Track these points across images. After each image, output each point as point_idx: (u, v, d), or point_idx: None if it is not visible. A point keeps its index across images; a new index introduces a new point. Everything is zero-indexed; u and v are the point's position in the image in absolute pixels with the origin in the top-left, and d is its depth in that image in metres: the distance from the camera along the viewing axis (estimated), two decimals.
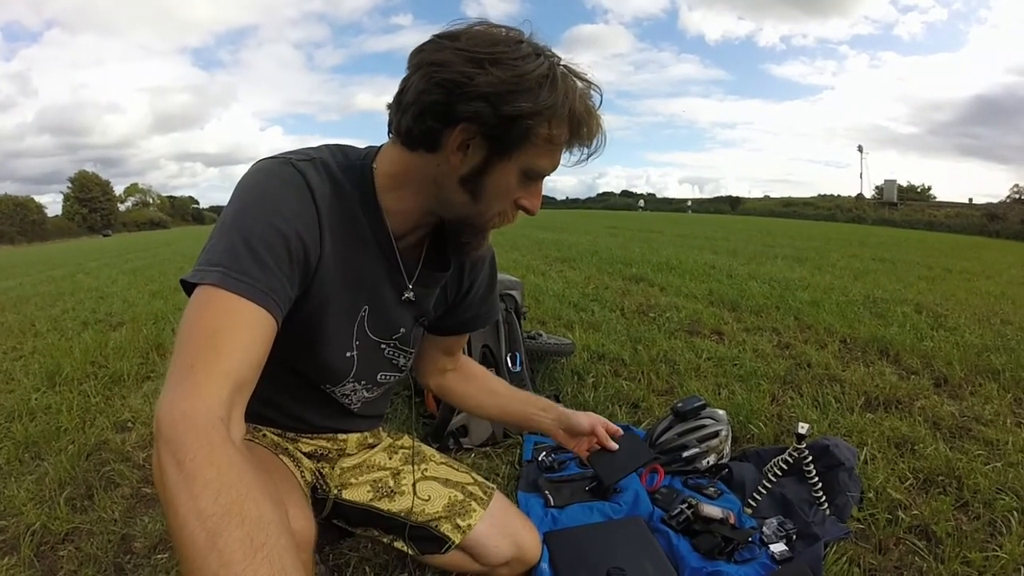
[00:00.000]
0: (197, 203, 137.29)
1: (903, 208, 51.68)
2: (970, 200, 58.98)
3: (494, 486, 1.67)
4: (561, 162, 1.11)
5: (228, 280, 0.91)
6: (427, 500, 1.53)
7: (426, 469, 1.60)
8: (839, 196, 72.43)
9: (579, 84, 1.04)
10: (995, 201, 49.56)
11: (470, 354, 2.88)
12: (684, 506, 1.98)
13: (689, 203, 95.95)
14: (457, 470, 1.65)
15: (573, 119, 1.03)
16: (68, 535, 2.13)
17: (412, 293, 1.29)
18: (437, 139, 1.03)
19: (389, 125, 1.10)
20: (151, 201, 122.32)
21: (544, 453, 2.48)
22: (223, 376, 0.84)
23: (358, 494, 1.50)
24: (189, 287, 0.94)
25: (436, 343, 1.56)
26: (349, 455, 1.54)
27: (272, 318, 0.94)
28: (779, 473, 2.06)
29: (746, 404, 2.94)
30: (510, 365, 2.94)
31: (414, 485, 1.53)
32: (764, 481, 2.08)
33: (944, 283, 7.86)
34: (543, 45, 1.02)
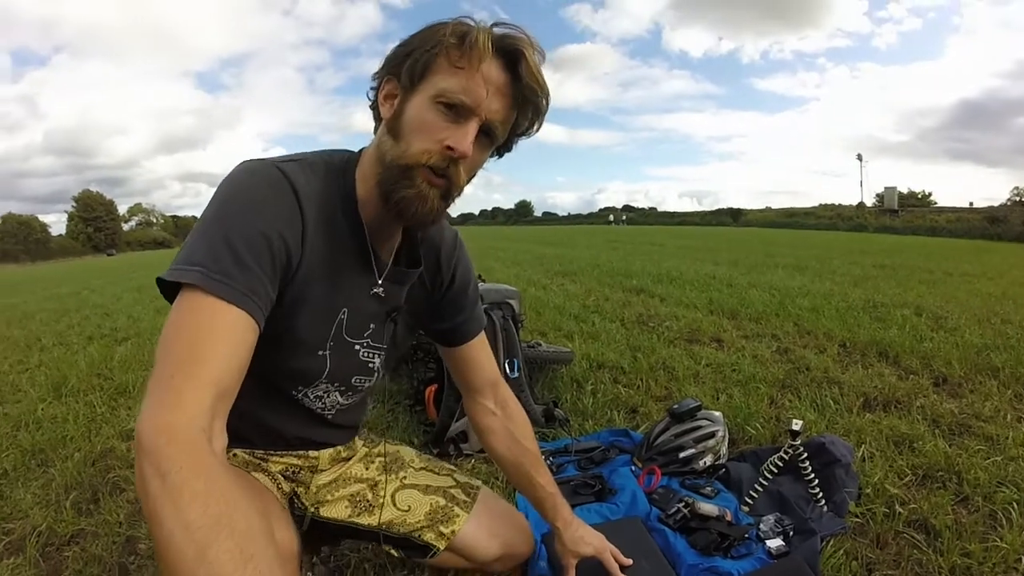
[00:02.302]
0: None
1: (904, 215, 51.62)
2: (971, 204, 59.13)
3: (479, 484, 1.65)
4: (481, 93, 1.06)
5: (209, 281, 0.90)
6: (407, 511, 1.51)
7: (405, 477, 1.58)
8: (840, 205, 72.46)
9: (492, 27, 1.07)
10: (996, 204, 49.65)
11: None
12: (681, 505, 1.99)
13: (610, 217, 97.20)
14: (438, 473, 1.63)
15: (468, 36, 1.04)
16: (74, 537, 2.16)
17: (381, 289, 1.27)
18: (376, 107, 1.13)
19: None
20: (155, 221, 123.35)
21: (543, 456, 2.49)
22: (204, 386, 0.84)
23: (336, 511, 1.47)
24: (167, 286, 0.94)
25: (457, 364, 1.54)
26: (322, 471, 1.48)
27: (253, 321, 0.94)
28: (775, 470, 2.06)
29: (744, 407, 2.95)
30: (508, 371, 2.95)
31: (392, 497, 1.52)
32: (760, 479, 2.08)
33: (944, 286, 7.87)
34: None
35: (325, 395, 1.34)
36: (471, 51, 1.03)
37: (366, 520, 1.48)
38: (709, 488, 2.18)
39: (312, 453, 1.45)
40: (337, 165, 1.16)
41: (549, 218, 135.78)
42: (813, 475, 2.04)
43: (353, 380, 1.36)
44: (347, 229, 1.16)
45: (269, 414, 1.32)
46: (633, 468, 2.38)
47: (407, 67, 1.07)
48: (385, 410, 3.20)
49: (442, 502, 1.54)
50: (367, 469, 1.56)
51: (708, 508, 1.96)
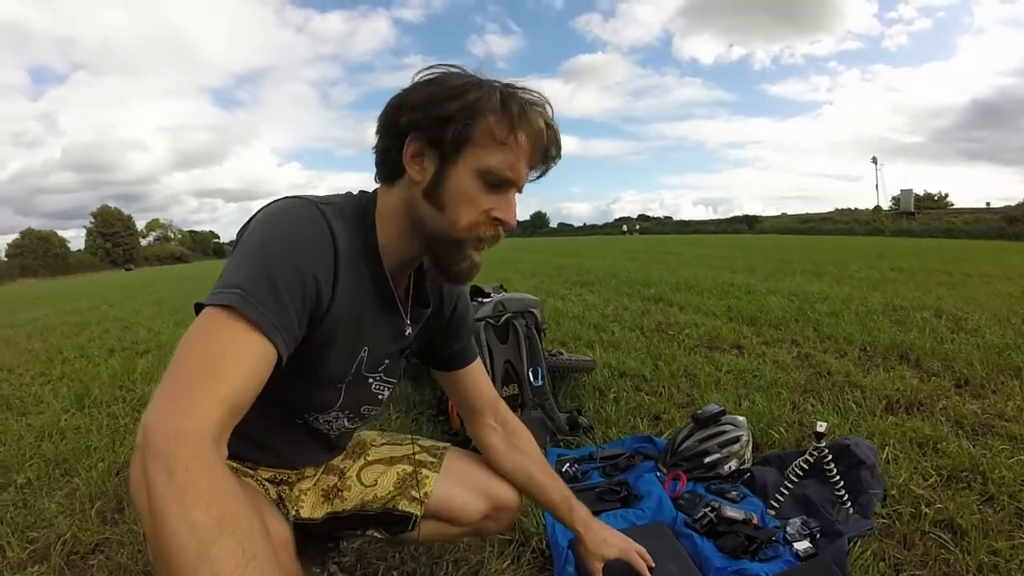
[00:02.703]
0: (218, 237, 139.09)
1: (921, 217, 51.16)
2: (988, 204, 58.41)
3: (446, 444, 1.67)
4: (521, 167, 1.13)
5: (244, 304, 0.92)
6: (374, 485, 1.53)
7: (368, 455, 1.59)
8: (856, 209, 71.90)
9: (519, 94, 1.11)
10: (1013, 204, 49.14)
11: (493, 370, 2.93)
12: (707, 509, 2.00)
13: (624, 227, 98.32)
14: (401, 444, 1.64)
15: (507, 110, 1.08)
16: (98, 545, 2.18)
17: (410, 330, 1.33)
18: (397, 161, 1.12)
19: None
20: (172, 236, 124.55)
21: (568, 464, 2.52)
22: (219, 401, 0.85)
23: (313, 511, 1.49)
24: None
25: (457, 389, 1.57)
26: (308, 477, 1.51)
27: (276, 354, 0.96)
28: (800, 474, 2.08)
29: (767, 412, 2.96)
30: (532, 379, 2.98)
31: (358, 476, 1.54)
32: (786, 482, 2.10)
33: (964, 288, 7.82)
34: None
35: (334, 420, 1.37)
36: (517, 127, 1.08)
37: (340, 507, 1.51)
38: (735, 492, 2.20)
39: (308, 470, 1.51)
40: (359, 211, 1.19)
41: (565, 229, 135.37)
42: (838, 477, 2.06)
43: (362, 409, 1.40)
44: (369, 273, 1.19)
45: (271, 435, 1.35)
46: (658, 474, 2.39)
47: (450, 137, 1.07)
48: (408, 419, 3.22)
49: (409, 469, 1.56)
50: (340, 460, 1.58)
51: (734, 512, 1.97)
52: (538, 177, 1.20)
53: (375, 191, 1.22)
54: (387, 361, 1.36)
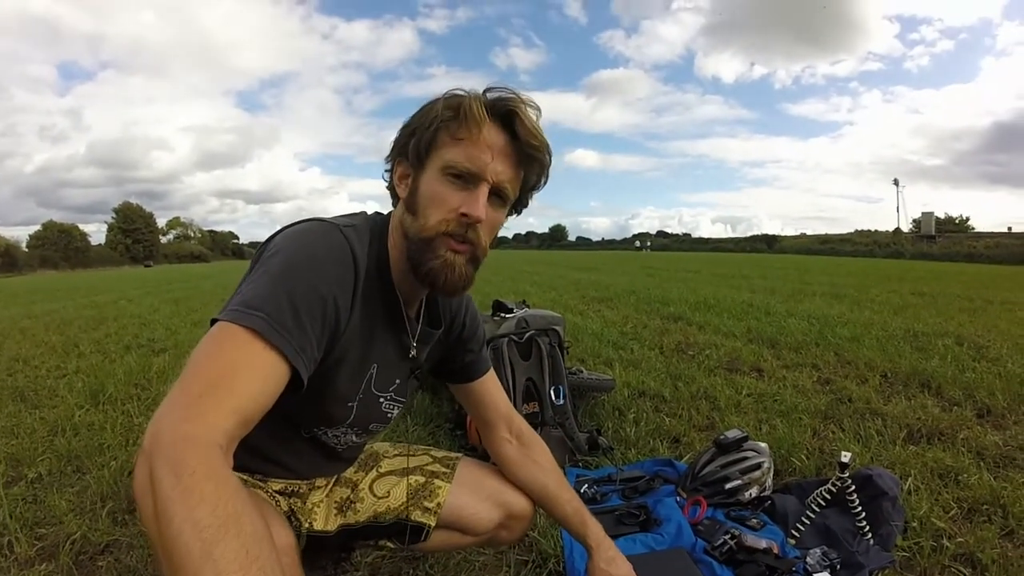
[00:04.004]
0: (237, 238, 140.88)
1: (942, 241, 50.80)
2: (1009, 229, 57.75)
3: (459, 455, 1.68)
4: (485, 158, 1.12)
5: (269, 331, 0.94)
6: (387, 496, 1.54)
7: (380, 467, 1.61)
8: (876, 231, 71.33)
9: (485, 94, 1.15)
10: None
11: (514, 387, 2.94)
12: (727, 536, 1.99)
13: (637, 243, 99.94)
14: (414, 455, 1.65)
15: (460, 108, 1.11)
16: (108, 546, 2.18)
17: (415, 351, 1.36)
18: (391, 185, 1.23)
19: None
20: (192, 235, 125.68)
21: (586, 485, 2.52)
22: (230, 413, 0.86)
23: (326, 523, 1.49)
24: None
25: (471, 402, 1.59)
26: (319, 488, 1.51)
27: (292, 376, 0.98)
28: (822, 503, 2.07)
29: (787, 438, 2.95)
30: (553, 398, 2.98)
31: (371, 488, 1.55)
32: (807, 512, 2.09)
33: (985, 314, 7.76)
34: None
35: (342, 435, 1.40)
36: (467, 120, 1.11)
37: (352, 519, 1.52)
38: (755, 520, 2.20)
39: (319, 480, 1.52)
40: (376, 233, 1.23)
41: (583, 243, 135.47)
42: (860, 508, 2.05)
43: (371, 426, 1.43)
44: (380, 294, 1.23)
45: (278, 448, 1.37)
46: (678, 499, 2.39)
47: (412, 147, 1.15)
48: (426, 432, 3.23)
49: (422, 480, 1.57)
50: (352, 472, 1.60)
51: (755, 541, 1.98)
52: (534, 178, 1.23)
53: (390, 213, 1.29)
54: (398, 381, 1.39)
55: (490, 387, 1.58)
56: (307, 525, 1.45)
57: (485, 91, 1.14)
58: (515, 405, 2.54)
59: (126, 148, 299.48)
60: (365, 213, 1.29)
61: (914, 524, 2.12)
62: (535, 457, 1.60)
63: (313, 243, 1.09)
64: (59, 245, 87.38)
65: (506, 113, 1.12)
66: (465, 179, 1.13)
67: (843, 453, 2.04)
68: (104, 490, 2.57)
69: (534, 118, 1.14)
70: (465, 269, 1.18)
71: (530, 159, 1.17)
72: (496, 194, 1.16)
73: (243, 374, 0.90)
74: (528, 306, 3.72)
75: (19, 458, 3.03)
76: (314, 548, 1.50)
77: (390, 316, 1.27)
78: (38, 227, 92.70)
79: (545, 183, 1.26)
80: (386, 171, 1.25)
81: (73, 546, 2.14)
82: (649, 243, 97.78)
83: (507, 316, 3.29)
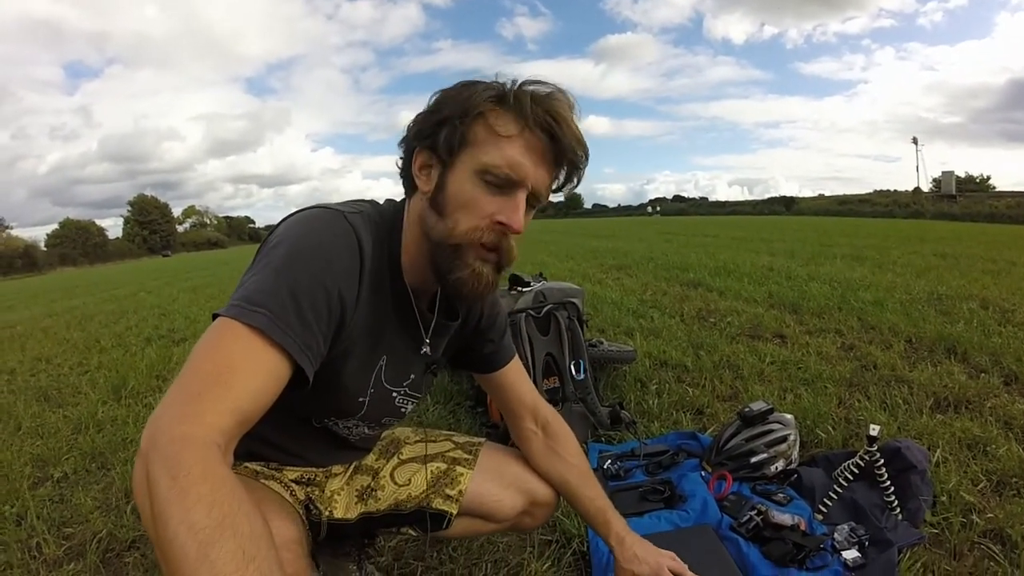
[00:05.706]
0: (253, 222, 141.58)
1: (963, 200, 50.05)
2: None
3: (481, 440, 1.65)
4: (527, 163, 1.06)
5: (272, 328, 0.92)
6: (408, 484, 1.52)
7: (401, 453, 1.58)
8: (896, 191, 70.28)
9: (525, 86, 1.08)
10: None
11: (533, 363, 2.91)
12: (753, 513, 1.98)
13: (648, 208, 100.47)
14: (435, 441, 1.63)
15: (505, 101, 1.05)
16: (134, 542, 2.19)
17: (428, 347, 1.33)
18: (409, 174, 1.14)
19: None
20: (208, 222, 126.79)
21: (609, 461, 2.51)
22: (228, 411, 0.85)
23: (347, 511, 1.48)
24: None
25: (496, 391, 1.57)
26: (336, 475, 1.50)
27: (296, 373, 0.96)
28: (850, 477, 2.04)
29: (813, 408, 2.92)
30: (574, 372, 2.95)
31: (392, 475, 1.54)
32: (835, 486, 2.07)
33: (1009, 277, 7.58)
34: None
35: (354, 428, 1.39)
36: (511, 117, 1.05)
37: (374, 506, 1.51)
38: (781, 495, 2.17)
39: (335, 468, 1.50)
40: (386, 223, 1.19)
41: (599, 210, 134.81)
42: (889, 482, 2.01)
43: (383, 420, 1.42)
44: (390, 286, 1.19)
45: (291, 439, 1.36)
46: (703, 473, 2.38)
47: (443, 138, 1.06)
48: (446, 411, 3.24)
49: (443, 467, 1.55)
50: (374, 460, 1.58)
51: (782, 517, 1.96)
52: (567, 181, 1.16)
53: (402, 201, 1.23)
54: (412, 376, 1.36)
55: (513, 377, 1.55)
56: (327, 513, 1.44)
57: (522, 84, 1.08)
58: (535, 381, 2.52)
59: (137, 141, 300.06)
60: (374, 200, 1.25)
61: (943, 498, 2.09)
62: (560, 451, 1.57)
63: (317, 231, 1.06)
64: (77, 242, 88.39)
65: (553, 115, 1.05)
66: (503, 185, 1.06)
67: (872, 426, 2.00)
68: (129, 485, 2.58)
69: (576, 118, 1.09)
70: (492, 278, 1.14)
71: (572, 165, 1.12)
72: (529, 200, 1.10)
73: (242, 372, 0.89)
74: (545, 278, 3.68)
75: (45, 458, 3.07)
76: (336, 536, 1.50)
77: (400, 308, 1.23)
78: (55, 226, 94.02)
79: (576, 185, 1.18)
80: (401, 158, 1.17)
81: (100, 544, 2.17)
82: (659, 208, 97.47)
83: (524, 290, 3.26)
